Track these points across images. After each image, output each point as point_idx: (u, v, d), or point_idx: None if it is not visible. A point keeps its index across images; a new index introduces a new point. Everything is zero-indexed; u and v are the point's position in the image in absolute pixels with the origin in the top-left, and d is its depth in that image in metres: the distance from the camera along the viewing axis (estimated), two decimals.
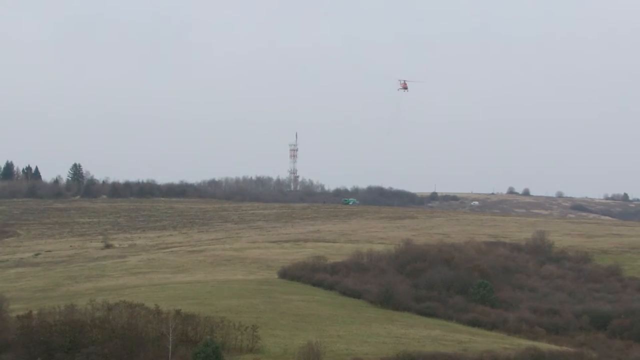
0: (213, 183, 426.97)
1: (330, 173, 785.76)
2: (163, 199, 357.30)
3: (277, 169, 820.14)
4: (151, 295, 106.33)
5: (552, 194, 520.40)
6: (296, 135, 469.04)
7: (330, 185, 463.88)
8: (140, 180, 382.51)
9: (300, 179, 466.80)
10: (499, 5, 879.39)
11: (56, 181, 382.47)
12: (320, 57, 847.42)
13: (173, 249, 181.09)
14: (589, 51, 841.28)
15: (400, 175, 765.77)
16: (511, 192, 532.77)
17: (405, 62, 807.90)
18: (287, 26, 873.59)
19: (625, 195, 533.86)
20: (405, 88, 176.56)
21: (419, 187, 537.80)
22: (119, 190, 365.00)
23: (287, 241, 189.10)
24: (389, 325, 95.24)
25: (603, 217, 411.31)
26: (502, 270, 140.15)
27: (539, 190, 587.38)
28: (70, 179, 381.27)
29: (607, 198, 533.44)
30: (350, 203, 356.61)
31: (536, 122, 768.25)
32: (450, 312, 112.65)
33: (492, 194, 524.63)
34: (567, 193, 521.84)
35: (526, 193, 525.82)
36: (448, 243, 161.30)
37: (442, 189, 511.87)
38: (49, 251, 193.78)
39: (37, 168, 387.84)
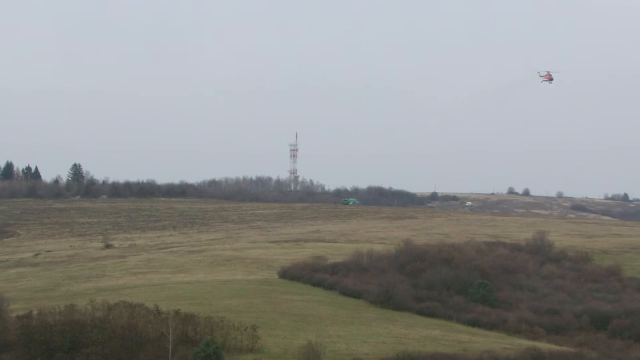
0: (213, 183, 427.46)
1: (330, 173, 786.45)
2: (163, 199, 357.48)
3: (277, 169, 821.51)
4: (151, 296, 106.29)
5: (552, 194, 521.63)
6: (296, 135, 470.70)
7: (330, 185, 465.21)
8: (140, 180, 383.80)
9: (300, 179, 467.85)
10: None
11: (56, 181, 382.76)
12: (321, 57, 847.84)
13: (173, 249, 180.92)
14: (589, 53, 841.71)
15: (400, 175, 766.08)
16: (511, 192, 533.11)
17: (404, 63, 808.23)
18: (288, 26, 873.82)
19: (625, 195, 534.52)
20: (550, 79, 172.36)
21: (419, 187, 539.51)
22: (119, 190, 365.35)
23: (287, 241, 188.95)
24: (389, 325, 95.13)
25: (603, 217, 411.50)
26: (502, 270, 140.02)
27: (539, 190, 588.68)
28: (70, 179, 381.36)
29: (607, 198, 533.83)
30: (350, 203, 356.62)
31: (536, 122, 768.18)
32: (450, 312, 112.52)
33: (492, 194, 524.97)
34: (567, 193, 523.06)
35: (526, 193, 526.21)
36: (448, 243, 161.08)
37: (442, 189, 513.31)
38: (49, 251, 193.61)
39: (37, 168, 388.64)
